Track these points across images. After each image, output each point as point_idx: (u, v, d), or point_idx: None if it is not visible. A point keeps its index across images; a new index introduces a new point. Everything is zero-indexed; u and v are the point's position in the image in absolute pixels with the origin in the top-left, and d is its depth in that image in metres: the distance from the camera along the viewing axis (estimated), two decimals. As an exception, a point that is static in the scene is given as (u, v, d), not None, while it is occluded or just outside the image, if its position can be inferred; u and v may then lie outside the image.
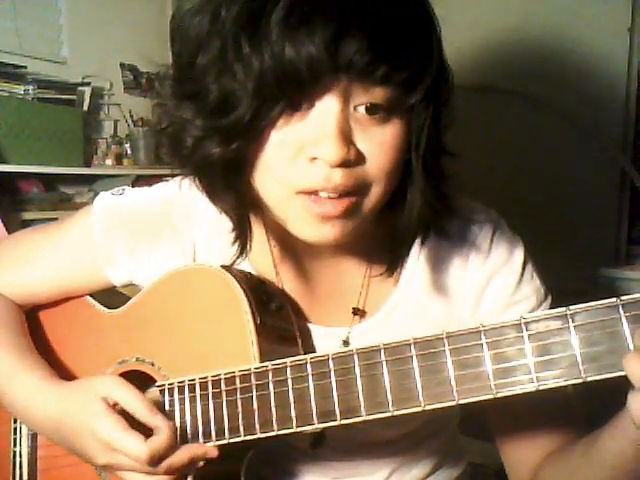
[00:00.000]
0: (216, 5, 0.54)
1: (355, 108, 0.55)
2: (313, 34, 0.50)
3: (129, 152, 2.82)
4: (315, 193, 0.56)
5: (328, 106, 0.54)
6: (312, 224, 0.58)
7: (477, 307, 0.71)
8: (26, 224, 2.22)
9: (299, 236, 0.60)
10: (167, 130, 0.60)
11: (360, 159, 0.56)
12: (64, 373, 0.76)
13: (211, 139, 0.56)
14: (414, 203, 0.61)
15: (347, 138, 0.54)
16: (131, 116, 2.89)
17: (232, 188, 0.60)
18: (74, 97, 2.58)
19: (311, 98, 0.54)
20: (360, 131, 0.56)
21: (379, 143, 0.56)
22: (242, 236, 0.64)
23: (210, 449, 0.64)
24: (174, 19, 0.59)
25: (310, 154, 0.55)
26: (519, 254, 0.71)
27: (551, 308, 0.52)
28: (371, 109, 0.55)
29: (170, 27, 0.59)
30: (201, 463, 0.65)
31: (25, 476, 0.78)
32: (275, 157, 0.56)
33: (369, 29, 0.51)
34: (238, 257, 0.65)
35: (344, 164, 0.54)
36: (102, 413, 0.63)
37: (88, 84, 2.69)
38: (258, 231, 0.70)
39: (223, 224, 0.65)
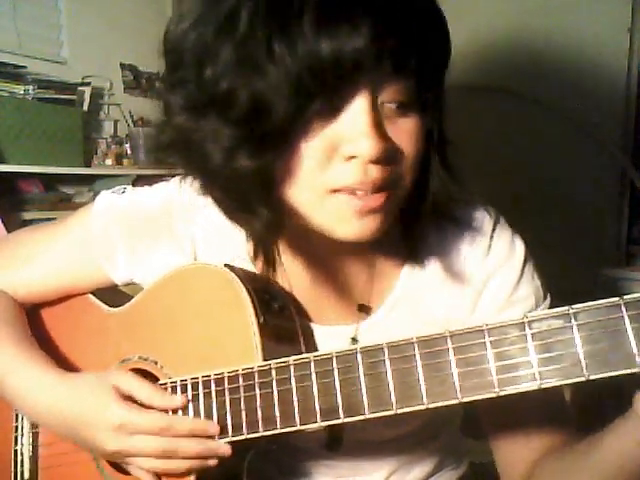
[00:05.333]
0: (225, 11, 0.53)
1: (382, 102, 0.55)
2: (355, 30, 0.49)
3: (129, 152, 2.82)
4: (352, 192, 0.56)
5: (362, 102, 0.54)
6: (353, 220, 0.57)
7: (476, 304, 0.71)
8: (26, 224, 2.21)
9: (337, 235, 0.58)
10: (189, 146, 0.57)
11: (395, 152, 0.56)
12: (66, 371, 0.76)
13: (242, 149, 0.54)
14: (431, 191, 0.62)
15: (383, 132, 0.55)
16: (131, 116, 2.89)
17: (263, 203, 0.57)
18: (74, 97, 2.58)
19: (344, 95, 0.54)
20: (390, 124, 0.56)
21: (408, 134, 0.57)
22: (268, 253, 0.63)
23: (223, 446, 0.63)
24: (168, 35, 0.57)
25: (346, 153, 0.54)
26: (520, 252, 0.71)
27: (552, 308, 0.52)
28: (398, 102, 0.55)
29: (167, 46, 0.57)
30: (214, 462, 0.64)
31: (26, 474, 0.79)
32: (309, 161, 0.55)
33: (404, 25, 0.52)
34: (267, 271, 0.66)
35: (382, 158, 0.54)
36: (115, 398, 0.64)
37: (88, 84, 2.69)
38: None
39: (223, 222, 0.65)
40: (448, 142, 0.63)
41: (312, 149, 0.55)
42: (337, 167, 0.55)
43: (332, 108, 0.54)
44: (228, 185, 0.58)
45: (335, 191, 0.56)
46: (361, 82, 0.53)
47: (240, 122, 0.53)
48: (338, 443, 0.70)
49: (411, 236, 0.70)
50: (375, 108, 0.54)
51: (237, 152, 0.54)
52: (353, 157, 0.54)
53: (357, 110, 0.54)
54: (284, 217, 0.59)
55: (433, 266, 0.71)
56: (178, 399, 0.65)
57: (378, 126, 0.54)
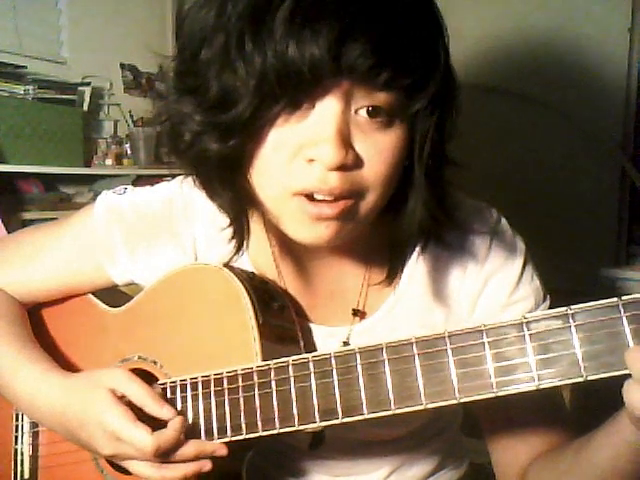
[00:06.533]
0: (221, 0, 0.54)
1: (356, 111, 0.54)
2: (317, 35, 0.49)
3: (129, 152, 2.82)
4: (310, 195, 0.56)
5: (328, 108, 0.53)
6: (306, 225, 0.57)
7: (473, 311, 0.71)
8: (26, 224, 2.21)
9: (293, 237, 0.60)
10: (166, 124, 0.60)
11: (358, 163, 0.55)
12: (66, 371, 0.76)
13: (209, 134, 0.56)
14: (415, 211, 0.60)
15: (346, 141, 0.54)
16: (131, 116, 2.89)
17: (228, 185, 0.60)
18: (74, 97, 2.58)
19: (312, 99, 0.54)
20: (360, 135, 0.55)
21: (379, 149, 0.56)
22: (238, 233, 0.63)
23: (219, 447, 0.63)
24: (180, 12, 0.58)
25: (307, 155, 0.54)
26: (519, 255, 0.71)
27: (551, 308, 0.52)
28: (372, 113, 0.54)
29: (176, 20, 0.59)
30: (209, 467, 0.64)
31: (26, 473, 0.79)
32: (272, 156, 0.56)
33: (373, 33, 0.50)
34: (235, 255, 0.65)
35: (341, 167, 0.54)
36: (110, 404, 0.63)
37: (88, 84, 2.69)
38: (258, 229, 0.70)
39: (222, 221, 0.65)
40: (445, 161, 0.60)
41: (275, 144, 0.55)
42: (299, 167, 0.55)
43: (298, 109, 0.54)
44: (195, 166, 0.61)
45: (296, 194, 0.56)
46: (331, 87, 0.52)
47: (208, 110, 0.55)
48: (319, 441, 0.70)
49: (398, 255, 0.69)
50: (344, 115, 0.54)
51: (203, 137, 0.56)
52: (313, 160, 0.54)
53: (324, 114, 0.54)
54: (248, 201, 0.61)
55: (429, 285, 0.71)
56: (167, 412, 0.63)
57: (341, 134, 0.53)
